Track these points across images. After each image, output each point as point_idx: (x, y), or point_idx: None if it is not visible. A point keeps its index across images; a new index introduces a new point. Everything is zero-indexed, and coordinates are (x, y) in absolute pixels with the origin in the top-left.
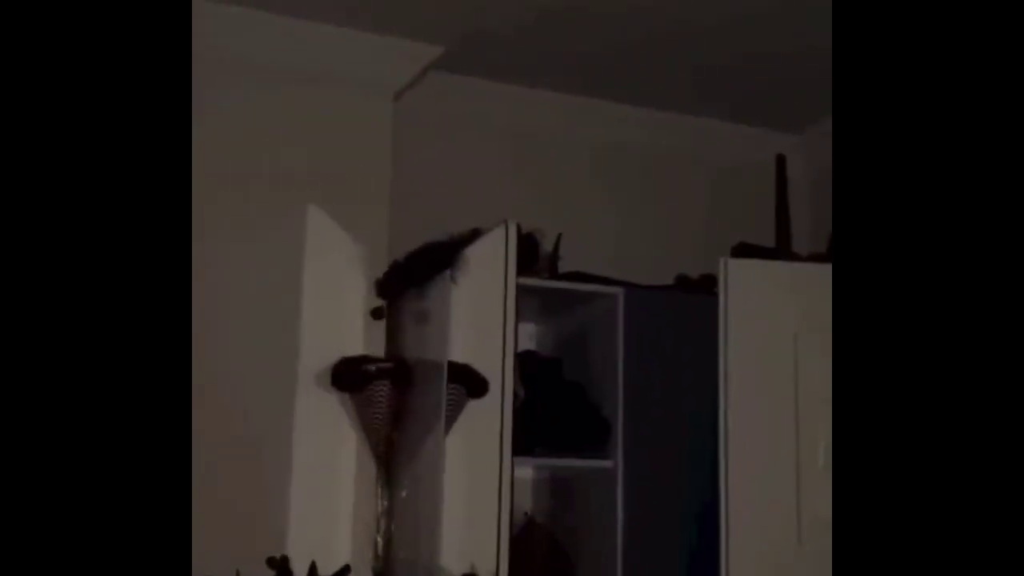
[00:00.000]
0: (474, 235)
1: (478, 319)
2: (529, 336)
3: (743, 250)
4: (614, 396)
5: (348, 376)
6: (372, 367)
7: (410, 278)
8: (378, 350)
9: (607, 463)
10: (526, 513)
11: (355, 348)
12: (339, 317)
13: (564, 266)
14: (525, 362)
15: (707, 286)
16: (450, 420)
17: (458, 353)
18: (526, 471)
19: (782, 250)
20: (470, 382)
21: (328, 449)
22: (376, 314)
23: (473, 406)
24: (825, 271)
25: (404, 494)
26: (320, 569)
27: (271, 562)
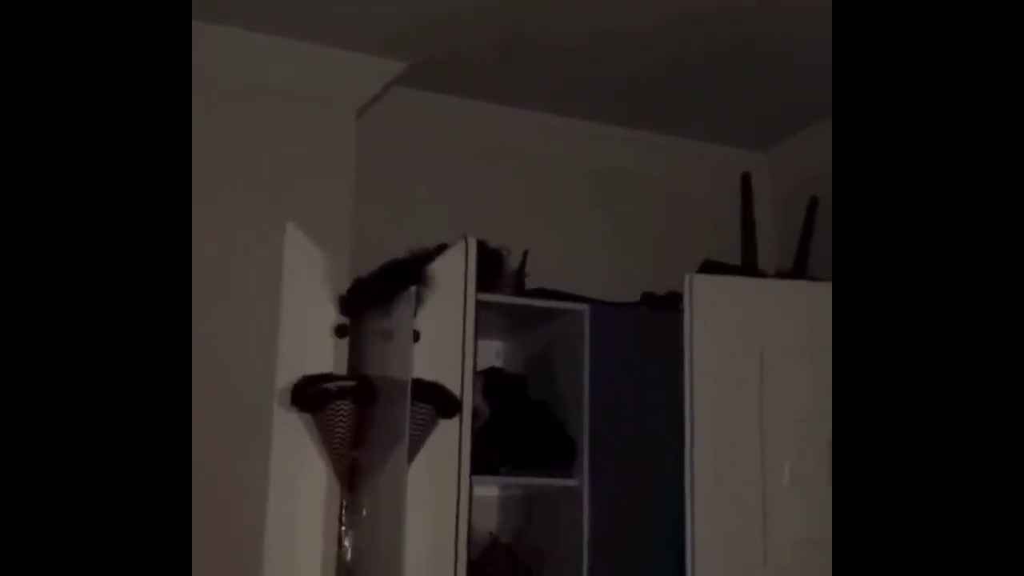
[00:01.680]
0: (437, 251)
1: (442, 336)
2: (495, 353)
3: (709, 267)
4: (580, 414)
5: (308, 395)
6: (332, 386)
7: (373, 295)
8: (340, 368)
9: (573, 481)
10: (491, 533)
11: (322, 366)
12: (305, 335)
13: (531, 283)
14: (491, 380)
15: (673, 303)
16: (420, 440)
17: (422, 371)
18: (491, 490)
19: (748, 267)
20: (440, 401)
21: (293, 470)
22: (339, 332)
23: (444, 425)
24: (791, 288)
25: (365, 513)
26: None
27: None
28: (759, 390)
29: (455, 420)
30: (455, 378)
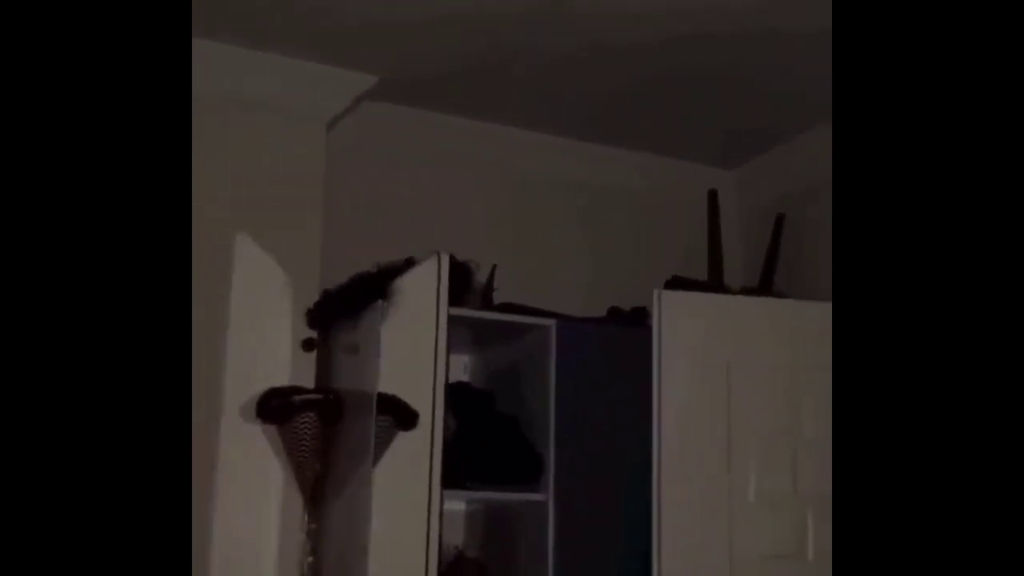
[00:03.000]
0: (407, 265)
1: (409, 350)
2: (463, 367)
3: (676, 283)
4: (546, 429)
5: (273, 408)
6: (297, 399)
7: (341, 308)
8: (308, 382)
9: (539, 496)
10: (456, 547)
11: (283, 379)
12: (268, 348)
13: (499, 297)
14: (457, 394)
15: (639, 318)
16: (377, 452)
17: (389, 385)
18: (457, 504)
19: (714, 283)
20: (398, 413)
21: (254, 483)
22: (307, 346)
23: (402, 438)
24: (757, 305)
25: (330, 528)
26: None
27: None
28: (726, 405)
29: (418, 432)
30: (423, 392)
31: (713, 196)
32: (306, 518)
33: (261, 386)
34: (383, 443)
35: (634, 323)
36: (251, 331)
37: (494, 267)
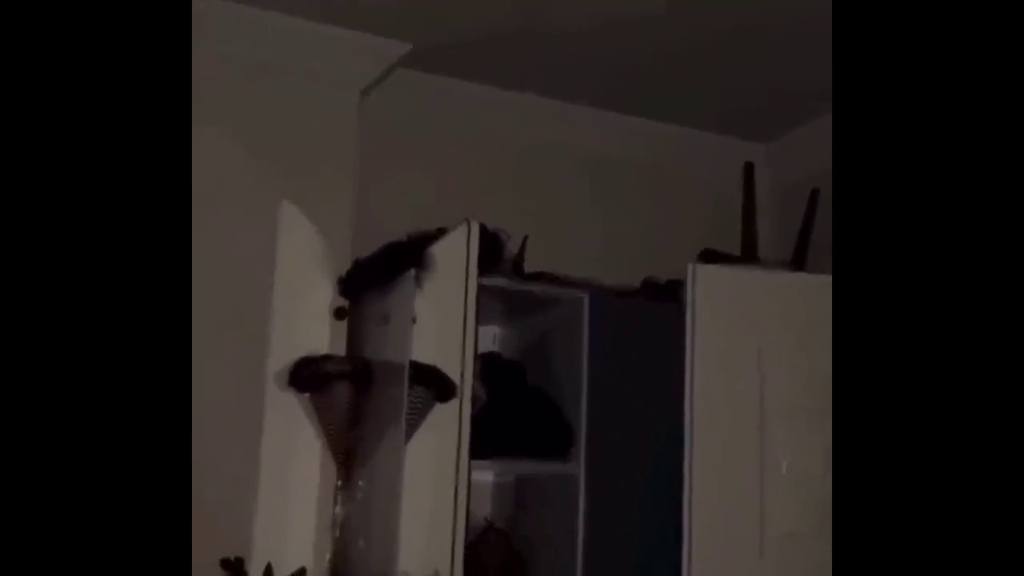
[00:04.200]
0: (438, 234)
1: (440, 320)
2: (493, 338)
3: (708, 257)
4: (578, 401)
5: (307, 377)
6: (331, 368)
7: (373, 277)
8: (339, 350)
9: (569, 468)
10: (486, 518)
11: (320, 348)
12: (305, 316)
13: (530, 268)
14: (488, 365)
15: (673, 291)
16: (415, 423)
17: (420, 354)
18: (487, 476)
19: (747, 258)
20: (437, 385)
21: (288, 451)
22: (339, 314)
23: (440, 409)
24: (792, 280)
25: (360, 496)
26: (277, 571)
27: (226, 564)
28: (759, 382)
29: (452, 404)
30: (453, 362)
31: (749, 170)
32: (338, 483)
33: (299, 354)
34: (421, 414)
35: (667, 296)
36: (291, 299)
37: (526, 237)
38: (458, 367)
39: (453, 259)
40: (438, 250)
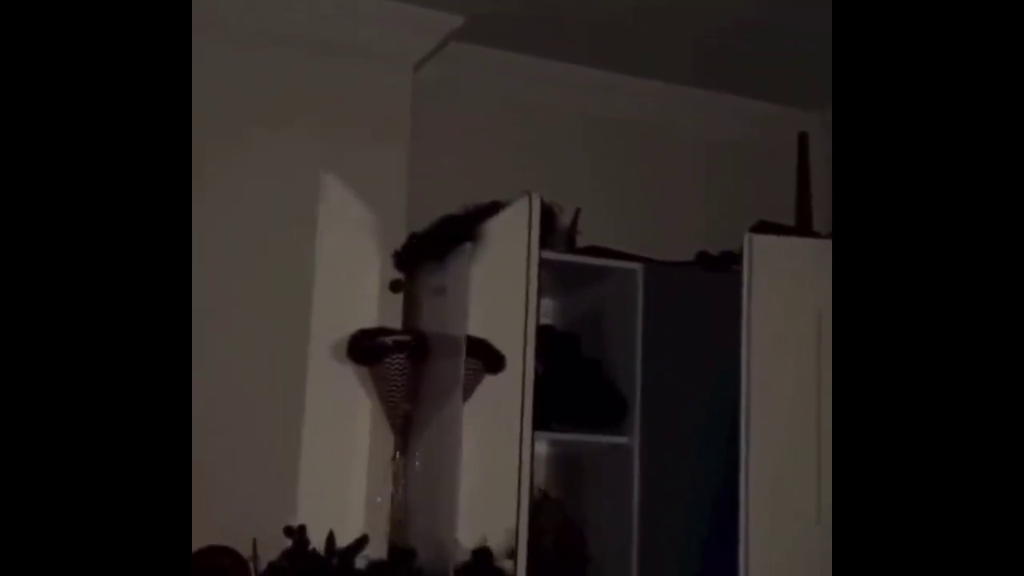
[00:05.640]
0: (494, 208)
1: (497, 293)
2: (545, 311)
3: (763, 228)
4: (631, 373)
5: (365, 349)
6: (389, 340)
7: (429, 251)
8: (395, 323)
9: (623, 439)
10: (540, 489)
11: (370, 320)
12: (355, 289)
13: (582, 241)
14: (542, 337)
15: (727, 263)
16: (466, 394)
17: (476, 327)
18: (541, 447)
19: (802, 228)
20: (487, 357)
21: (342, 421)
22: (395, 287)
23: (490, 380)
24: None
25: (418, 466)
26: (336, 540)
27: (288, 531)
28: (816, 351)
29: (511, 376)
30: (506, 335)
31: (803, 139)
32: (396, 454)
33: (350, 326)
34: (471, 385)
35: (722, 268)
36: (340, 272)
37: (578, 210)
38: (511, 339)
39: (511, 233)
40: (496, 223)
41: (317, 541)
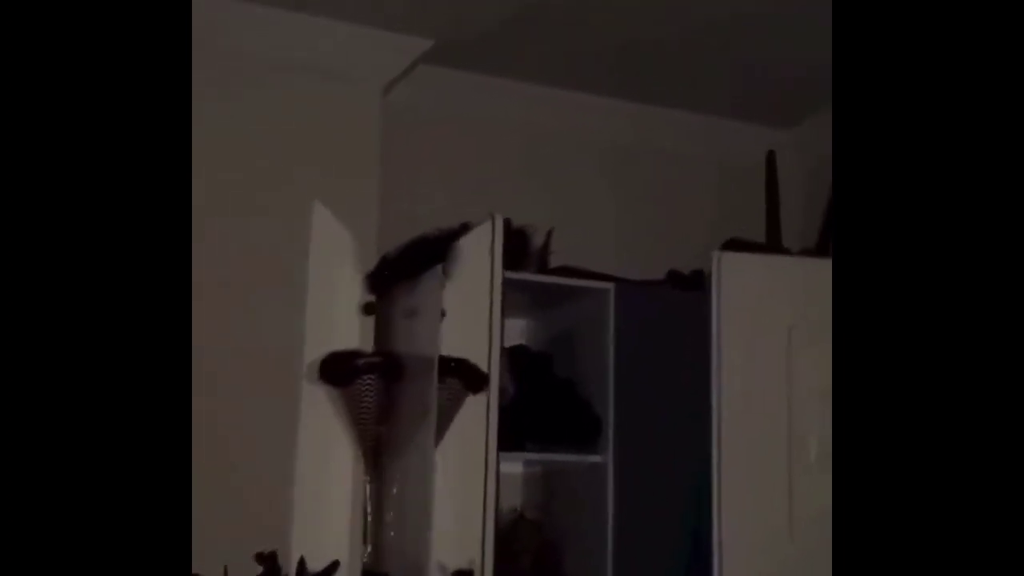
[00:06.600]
0: (463, 229)
1: (468, 313)
2: (520, 331)
3: (734, 246)
4: (605, 391)
5: (335, 370)
6: (360, 361)
7: (400, 272)
8: (367, 345)
9: (597, 458)
10: (515, 509)
11: (350, 343)
12: (332, 312)
13: (555, 261)
14: (516, 357)
15: (698, 281)
16: (449, 415)
17: (449, 348)
18: (516, 466)
19: (772, 246)
20: (468, 377)
21: (324, 445)
22: (367, 309)
23: (470, 401)
24: (818, 265)
25: (395, 489)
26: (311, 564)
27: (259, 558)
28: (786, 367)
29: (482, 396)
30: (482, 355)
31: (771, 158)
32: (367, 478)
33: (329, 349)
34: (454, 406)
35: (693, 286)
36: (321, 296)
37: (550, 231)
38: (482, 361)
39: (479, 253)
40: (465, 244)
41: (292, 567)
